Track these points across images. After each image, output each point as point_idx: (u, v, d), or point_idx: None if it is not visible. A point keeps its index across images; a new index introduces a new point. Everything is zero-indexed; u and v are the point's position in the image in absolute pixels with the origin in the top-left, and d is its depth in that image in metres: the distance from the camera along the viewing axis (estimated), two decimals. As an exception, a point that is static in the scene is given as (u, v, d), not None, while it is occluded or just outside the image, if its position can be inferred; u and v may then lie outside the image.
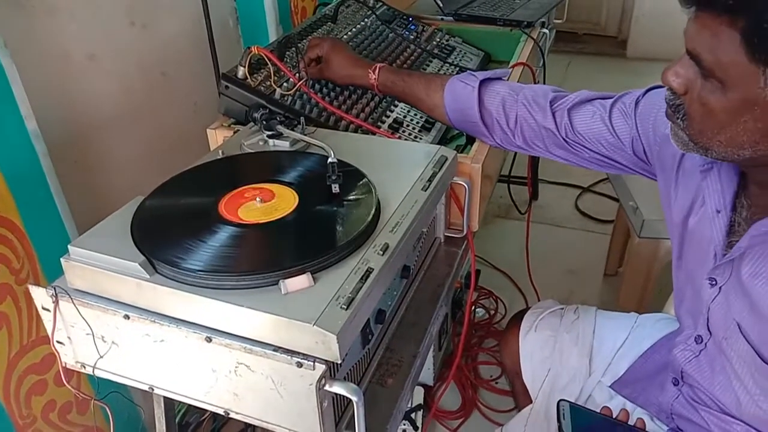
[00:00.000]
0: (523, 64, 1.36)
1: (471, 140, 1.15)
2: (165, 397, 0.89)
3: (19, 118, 0.99)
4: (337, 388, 0.64)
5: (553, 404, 1.03)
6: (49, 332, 0.78)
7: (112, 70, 1.27)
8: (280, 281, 0.66)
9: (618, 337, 1.04)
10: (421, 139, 1.17)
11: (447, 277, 0.96)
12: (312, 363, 0.63)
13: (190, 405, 0.77)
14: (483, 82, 0.99)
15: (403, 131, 1.18)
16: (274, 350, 0.65)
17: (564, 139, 0.93)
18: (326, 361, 0.63)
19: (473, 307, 1.87)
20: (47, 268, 1.08)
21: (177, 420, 1.08)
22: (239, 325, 0.66)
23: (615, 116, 0.89)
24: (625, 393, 0.97)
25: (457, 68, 1.45)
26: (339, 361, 0.63)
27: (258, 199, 0.79)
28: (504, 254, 2.09)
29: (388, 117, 1.20)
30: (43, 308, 0.77)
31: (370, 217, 0.75)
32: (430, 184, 0.85)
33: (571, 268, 2.11)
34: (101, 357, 0.77)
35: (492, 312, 1.90)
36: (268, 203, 0.78)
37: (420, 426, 1.44)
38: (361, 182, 0.83)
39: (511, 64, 1.38)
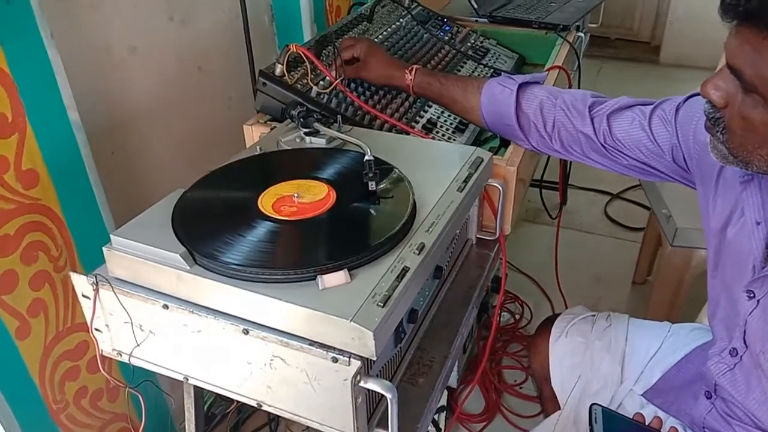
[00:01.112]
0: (558, 67, 1.35)
1: (505, 142, 1.14)
2: (195, 387, 0.91)
3: (62, 108, 1.01)
4: (372, 385, 0.64)
5: (583, 411, 1.03)
6: (88, 319, 0.80)
7: (151, 64, 1.30)
8: (318, 276, 0.67)
9: (651, 346, 1.02)
10: (454, 140, 1.17)
11: (478, 280, 0.96)
12: (347, 359, 0.64)
13: (216, 395, 0.78)
14: (521, 86, 0.98)
15: (437, 132, 1.18)
16: (309, 344, 0.66)
17: (602, 144, 0.92)
18: (361, 357, 0.64)
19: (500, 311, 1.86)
20: (84, 257, 1.10)
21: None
22: (276, 319, 0.67)
23: (655, 123, 0.88)
24: (657, 402, 0.95)
25: (492, 70, 1.45)
26: (374, 358, 0.63)
27: (296, 195, 0.79)
28: (531, 259, 2.08)
29: (422, 117, 1.20)
30: (83, 296, 0.79)
31: (407, 215, 0.76)
32: (465, 185, 0.85)
33: (598, 275, 2.09)
34: (138, 345, 0.79)
35: (517, 316, 1.88)
36: (306, 199, 0.79)
37: (443, 428, 1.44)
38: (397, 181, 0.83)
39: (546, 67, 1.37)
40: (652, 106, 0.89)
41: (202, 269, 0.70)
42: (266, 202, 0.78)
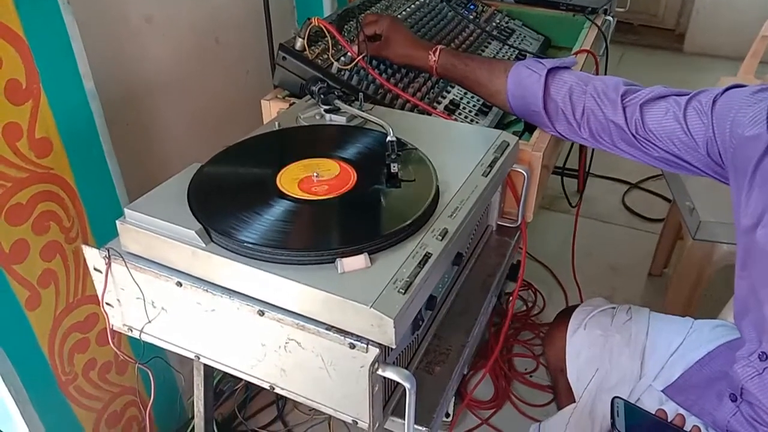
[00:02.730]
0: (586, 51, 1.31)
1: (529, 127, 1.11)
2: (205, 365, 0.89)
3: (77, 76, 0.98)
4: (390, 374, 0.62)
5: (599, 404, 1.01)
6: (99, 294, 0.78)
7: (167, 34, 1.27)
8: (337, 260, 0.64)
9: (672, 341, 1.00)
10: (477, 122, 1.14)
11: (498, 267, 0.93)
12: (365, 345, 0.62)
13: (225, 373, 0.77)
14: (550, 71, 0.95)
15: (459, 113, 1.14)
16: (326, 329, 0.64)
17: (633, 135, 0.88)
18: (380, 344, 0.61)
19: (510, 298, 1.84)
20: (96, 228, 1.08)
21: (213, 388, 1.08)
22: (293, 301, 0.64)
23: (690, 114, 0.84)
24: (678, 400, 0.93)
25: (517, 51, 1.41)
26: (393, 346, 0.61)
27: (315, 174, 0.77)
28: (545, 246, 2.04)
29: (444, 98, 1.17)
30: (95, 269, 0.77)
31: (430, 200, 0.73)
32: (490, 170, 0.82)
33: (614, 265, 2.06)
34: (149, 322, 0.77)
35: (530, 304, 1.86)
36: (326, 179, 0.76)
37: (452, 414, 1.42)
38: (420, 163, 0.80)
39: (573, 51, 1.33)
40: (687, 97, 0.86)
41: (218, 247, 0.68)
42: (285, 180, 0.76)
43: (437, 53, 1.05)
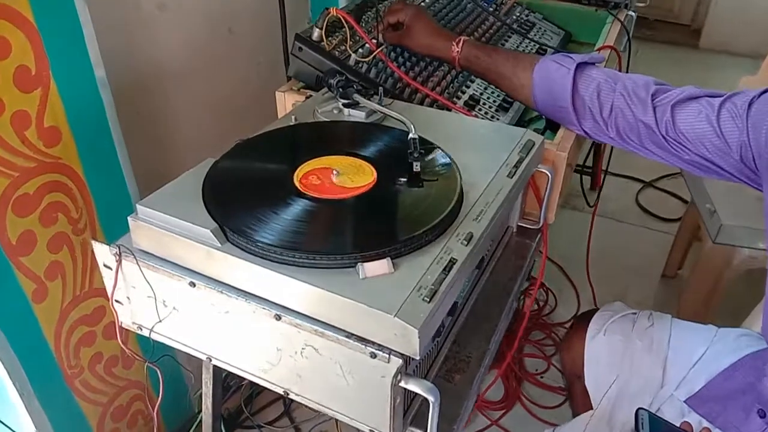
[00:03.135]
0: (610, 47, 1.27)
1: (551, 124, 1.08)
2: (215, 366, 0.87)
3: (88, 63, 0.96)
4: (413, 386, 0.59)
5: (619, 412, 0.98)
6: (109, 291, 0.76)
7: (180, 22, 1.24)
8: (358, 264, 0.61)
9: (695, 350, 0.97)
10: (498, 118, 1.11)
11: (519, 271, 0.90)
12: (387, 355, 0.59)
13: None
14: (579, 66, 0.91)
15: (480, 109, 1.11)
16: (346, 336, 0.61)
17: (663, 136, 0.85)
18: (402, 354, 0.59)
19: (521, 297, 1.81)
20: (104, 220, 1.06)
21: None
22: (312, 306, 0.62)
23: (723, 117, 0.81)
24: (702, 411, 0.90)
25: (537, 46, 1.37)
26: (417, 357, 0.58)
27: (335, 172, 0.74)
28: (558, 244, 2.01)
29: (464, 93, 1.13)
30: (105, 266, 0.75)
31: (454, 201, 0.70)
32: (516, 171, 0.79)
33: (627, 265, 2.02)
34: (160, 321, 0.75)
35: (541, 303, 1.83)
36: (346, 177, 0.73)
37: (462, 414, 1.40)
38: (443, 162, 0.77)
39: (597, 46, 1.29)
40: (721, 99, 0.82)
41: (234, 247, 0.65)
42: (303, 177, 0.73)
43: (460, 44, 1.02)
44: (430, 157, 0.77)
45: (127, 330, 0.81)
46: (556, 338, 1.73)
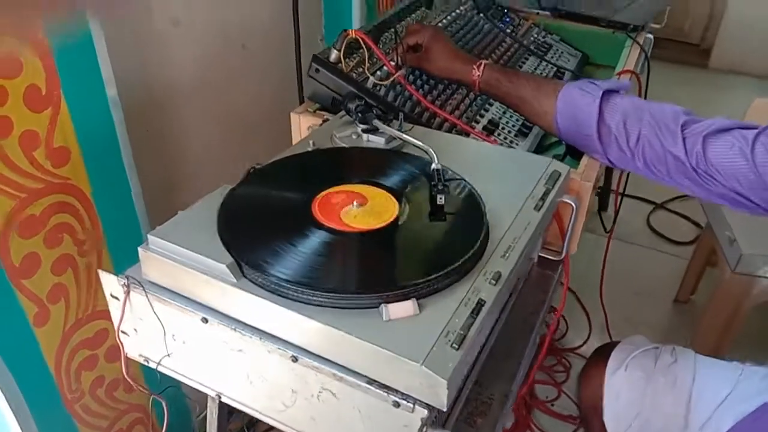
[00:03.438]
0: (630, 72, 1.25)
1: (571, 150, 1.05)
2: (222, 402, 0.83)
3: (100, 82, 0.93)
4: (440, 439, 0.56)
5: (638, 453, 0.95)
6: (115, 322, 0.73)
7: (194, 38, 1.21)
8: (382, 306, 0.58)
9: (720, 389, 0.93)
10: (517, 144, 1.08)
11: (541, 306, 0.87)
12: (411, 405, 0.55)
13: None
14: (605, 93, 0.88)
15: (498, 134, 1.08)
16: (367, 382, 0.57)
17: (694, 168, 0.82)
18: (427, 405, 0.55)
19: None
20: (111, 241, 1.03)
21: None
22: (331, 349, 0.58)
23: (758, 151, 0.77)
24: (729, 456, 0.87)
25: (555, 68, 1.34)
26: (444, 409, 0.55)
27: (355, 203, 0.70)
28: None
29: (482, 117, 1.11)
30: (112, 296, 0.71)
31: (481, 238, 0.67)
32: (542, 204, 0.76)
33: (638, 289, 1.99)
34: (168, 355, 0.71)
35: (552, 328, 1.79)
36: (366, 209, 0.70)
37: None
38: (467, 195, 0.74)
39: (617, 70, 1.26)
40: (755, 132, 0.79)
41: (250, 284, 0.61)
42: (322, 208, 0.69)
43: (481, 68, 0.99)
44: (453, 188, 0.74)
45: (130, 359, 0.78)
46: (567, 364, 1.69)
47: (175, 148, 1.25)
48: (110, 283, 0.70)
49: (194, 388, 0.74)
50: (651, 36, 1.52)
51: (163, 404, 0.84)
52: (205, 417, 1.29)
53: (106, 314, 1.06)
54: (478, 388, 0.75)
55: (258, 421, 1.47)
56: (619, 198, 1.46)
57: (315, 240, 0.65)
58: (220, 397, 0.71)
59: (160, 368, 0.74)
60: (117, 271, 1.05)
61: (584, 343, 1.72)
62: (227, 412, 1.39)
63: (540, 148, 1.12)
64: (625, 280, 2.00)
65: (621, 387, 0.99)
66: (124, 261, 1.06)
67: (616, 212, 1.47)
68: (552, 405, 1.59)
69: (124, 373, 0.75)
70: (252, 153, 1.45)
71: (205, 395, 0.88)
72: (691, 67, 3.65)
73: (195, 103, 1.25)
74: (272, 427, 1.51)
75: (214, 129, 1.32)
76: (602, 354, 1.05)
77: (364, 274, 0.63)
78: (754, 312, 1.44)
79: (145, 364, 0.76)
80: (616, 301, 1.88)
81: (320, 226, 0.67)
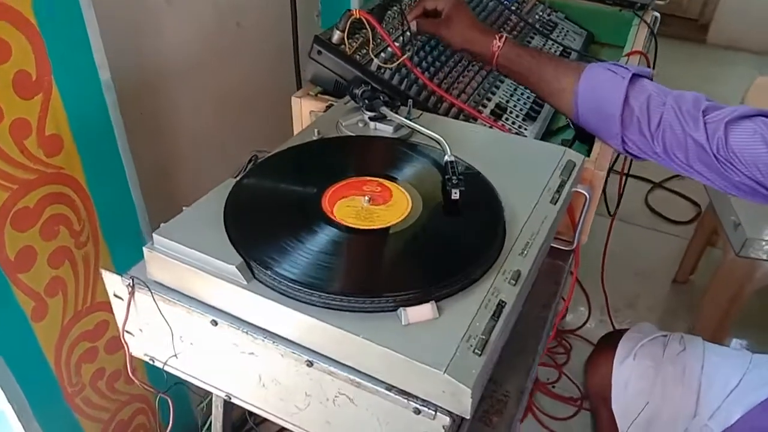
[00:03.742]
0: (639, 52, 1.22)
1: (580, 135, 1.02)
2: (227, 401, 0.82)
3: (92, 66, 0.89)
4: (463, 447, 0.54)
5: (648, 442, 0.94)
6: (119, 323, 0.70)
7: (187, 16, 1.16)
8: (400, 309, 0.56)
9: (730, 378, 0.93)
10: (525, 128, 1.05)
11: (553, 298, 0.86)
12: (433, 412, 0.54)
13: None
14: (634, 76, 0.86)
15: (506, 119, 1.05)
16: (386, 389, 0.55)
17: (714, 155, 0.79)
18: (449, 411, 0.54)
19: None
20: (107, 232, 1.00)
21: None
22: (349, 355, 0.56)
23: None
24: (740, 446, 0.86)
25: (561, 48, 1.31)
26: (468, 417, 0.53)
27: (367, 198, 0.68)
28: (569, 248, 1.97)
29: (489, 101, 1.08)
30: (115, 296, 0.69)
31: (499, 234, 0.64)
32: (559, 196, 0.74)
33: (637, 269, 1.99)
34: (175, 355, 0.69)
35: (551, 309, 1.79)
36: (378, 205, 0.67)
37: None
38: (483, 188, 0.71)
39: (626, 51, 1.23)
40: None
41: (262, 286, 0.59)
42: (334, 204, 0.67)
43: (502, 40, 0.95)
44: (467, 181, 0.71)
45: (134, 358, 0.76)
46: (567, 345, 1.69)
47: (169, 131, 1.21)
48: (114, 283, 0.67)
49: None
50: (657, 14, 1.48)
51: (170, 402, 0.82)
52: (205, 406, 1.28)
53: (105, 306, 1.04)
54: (492, 385, 0.73)
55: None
56: (623, 179, 1.44)
57: (328, 239, 0.62)
58: (230, 398, 0.69)
59: (166, 368, 0.72)
60: (115, 262, 1.04)
61: (584, 324, 1.72)
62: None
63: (548, 132, 1.10)
64: (624, 260, 2.00)
65: (630, 376, 0.98)
66: (121, 251, 1.04)
67: (620, 194, 1.45)
68: (553, 387, 1.59)
69: (131, 374, 0.73)
70: (248, 134, 1.42)
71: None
72: (689, 42, 3.62)
73: (189, 84, 1.20)
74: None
75: (209, 110, 1.28)
76: (609, 342, 1.05)
77: (381, 276, 0.60)
78: (755, 296, 1.44)
79: (151, 363, 0.73)
80: (616, 281, 1.88)
81: (333, 224, 0.64)
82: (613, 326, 1.63)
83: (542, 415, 1.52)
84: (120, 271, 0.67)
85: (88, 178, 0.93)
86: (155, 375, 0.77)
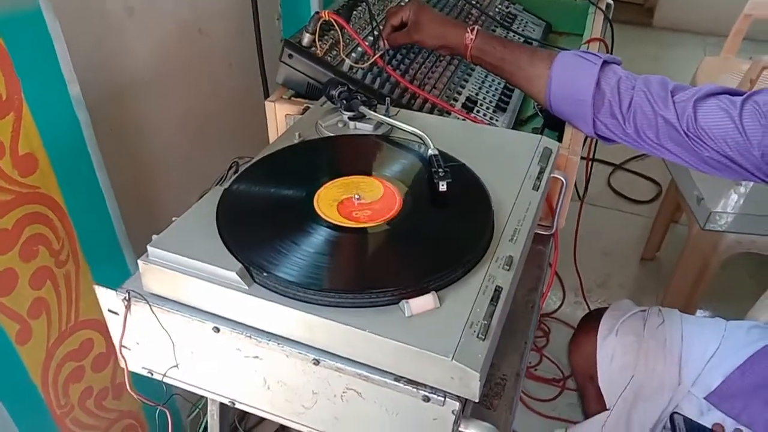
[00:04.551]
0: (598, 39, 1.26)
1: (549, 123, 1.05)
2: (222, 405, 0.81)
3: (62, 82, 0.88)
4: (474, 429, 0.56)
5: (635, 413, 0.98)
6: (115, 338, 0.69)
7: (149, 26, 1.15)
8: (403, 302, 0.57)
9: (708, 346, 0.97)
10: (496, 119, 1.08)
11: (538, 282, 0.88)
12: (442, 398, 0.55)
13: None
14: (605, 62, 0.89)
15: (478, 111, 1.08)
16: (395, 380, 0.57)
17: (684, 132, 0.83)
18: (457, 396, 0.55)
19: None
20: (87, 248, 0.99)
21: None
22: (356, 350, 0.57)
23: (746, 115, 0.80)
24: (724, 408, 0.91)
25: (522, 39, 1.34)
26: (476, 400, 0.55)
27: (357, 196, 0.69)
28: (538, 233, 2.01)
29: (460, 94, 1.10)
30: (110, 311, 0.68)
31: (489, 223, 0.66)
32: (540, 183, 0.76)
33: (605, 249, 2.05)
34: (176, 366, 0.69)
35: (527, 294, 1.83)
36: (368, 202, 0.69)
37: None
38: (468, 179, 0.73)
39: (585, 38, 1.27)
40: (742, 97, 0.81)
41: (263, 289, 0.59)
42: (324, 205, 0.68)
43: (474, 32, 0.97)
44: (452, 173, 0.73)
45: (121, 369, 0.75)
46: (546, 329, 1.73)
47: (139, 144, 1.19)
48: (108, 299, 0.67)
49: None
50: (611, 1, 1.53)
51: (168, 415, 0.81)
52: (195, 417, 1.27)
53: (89, 323, 1.02)
54: (490, 369, 0.75)
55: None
56: (589, 164, 1.48)
57: (325, 239, 0.63)
58: (234, 404, 0.69)
59: (166, 379, 0.72)
60: (96, 279, 1.02)
61: (559, 306, 1.76)
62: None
63: (518, 122, 1.12)
64: (593, 242, 2.05)
65: (614, 352, 1.02)
66: (101, 267, 1.02)
67: (587, 178, 1.49)
68: (536, 370, 1.63)
69: (129, 389, 0.72)
70: (219, 141, 1.41)
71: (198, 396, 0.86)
72: (636, 26, 3.73)
73: (156, 94, 1.19)
74: (262, 420, 1.50)
75: (179, 118, 1.27)
76: (590, 321, 1.08)
77: (381, 271, 0.61)
78: (720, 267, 1.51)
79: (149, 376, 0.73)
80: (587, 264, 1.93)
81: (327, 224, 0.65)
82: (588, 307, 1.68)
83: (527, 398, 1.56)
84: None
85: (65, 196, 0.92)
86: (141, 387, 0.77)
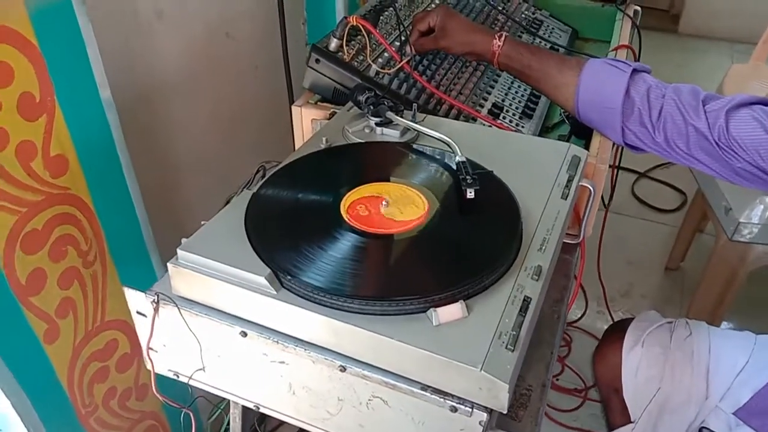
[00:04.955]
0: (626, 47, 1.24)
1: (576, 130, 1.04)
2: (245, 408, 0.82)
3: (93, 85, 0.89)
4: (502, 441, 0.55)
5: (661, 426, 0.96)
6: (143, 340, 0.70)
7: (178, 29, 1.16)
8: (431, 310, 0.57)
9: (737, 360, 0.95)
10: (522, 126, 1.07)
11: (565, 291, 0.87)
12: (469, 409, 0.55)
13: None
14: (635, 70, 0.88)
15: (504, 117, 1.07)
16: (422, 389, 0.56)
17: (716, 142, 0.82)
18: (485, 407, 0.55)
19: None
20: (114, 249, 1.00)
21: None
22: (383, 358, 0.57)
23: None
24: (753, 424, 0.89)
25: (548, 45, 1.33)
26: (505, 411, 0.54)
27: (384, 203, 0.69)
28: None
29: (486, 100, 1.09)
30: (138, 313, 0.69)
31: (518, 231, 0.66)
32: (568, 192, 0.75)
33: (629, 258, 2.02)
34: (202, 369, 0.69)
35: (549, 302, 1.81)
36: (395, 209, 0.68)
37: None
38: (496, 186, 0.73)
39: (612, 45, 1.25)
40: None
41: (291, 295, 0.60)
42: (353, 211, 0.67)
43: (502, 38, 0.97)
44: (480, 181, 0.72)
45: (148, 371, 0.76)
46: (568, 338, 1.71)
47: (167, 146, 1.21)
48: (136, 300, 0.67)
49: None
50: (639, 8, 1.51)
51: (191, 417, 0.81)
52: (216, 419, 1.27)
53: (114, 324, 1.03)
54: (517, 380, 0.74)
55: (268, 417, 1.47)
56: (615, 171, 1.46)
57: (353, 245, 0.63)
58: (258, 408, 0.70)
59: (192, 382, 0.72)
60: (122, 280, 1.03)
61: (582, 316, 1.74)
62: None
63: (544, 129, 1.12)
64: (617, 251, 2.03)
65: (639, 364, 1.00)
66: (128, 268, 1.03)
67: (613, 186, 1.48)
68: (557, 379, 1.61)
69: (155, 391, 0.72)
70: (244, 144, 1.42)
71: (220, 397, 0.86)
72: (661, 32, 3.68)
73: (184, 97, 1.21)
74: (281, 423, 1.50)
75: (203, 122, 1.28)
76: (616, 332, 1.07)
77: (408, 279, 0.61)
78: (746, 280, 1.48)
79: (175, 379, 0.74)
80: (610, 272, 1.90)
81: (355, 231, 0.65)
82: (611, 316, 1.66)
83: (549, 408, 1.54)
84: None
85: (94, 198, 0.93)
86: (169, 391, 0.77)
